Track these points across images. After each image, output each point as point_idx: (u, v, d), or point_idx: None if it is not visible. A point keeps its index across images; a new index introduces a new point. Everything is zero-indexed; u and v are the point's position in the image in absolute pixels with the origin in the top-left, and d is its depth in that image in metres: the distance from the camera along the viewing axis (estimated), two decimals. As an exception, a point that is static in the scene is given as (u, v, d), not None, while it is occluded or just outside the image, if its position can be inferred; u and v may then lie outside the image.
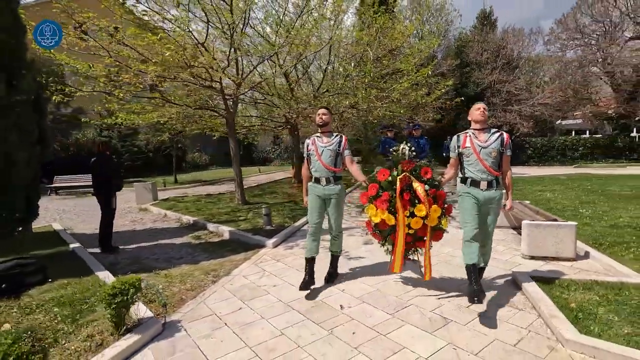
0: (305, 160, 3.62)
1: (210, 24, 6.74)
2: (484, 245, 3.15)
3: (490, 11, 23.57)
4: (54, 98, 6.58)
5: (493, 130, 3.06)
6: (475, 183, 3.03)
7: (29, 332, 2.41)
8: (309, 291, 3.40)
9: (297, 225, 6.24)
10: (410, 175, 3.04)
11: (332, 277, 3.76)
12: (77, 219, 8.04)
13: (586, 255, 4.14)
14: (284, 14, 8.52)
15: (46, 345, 2.32)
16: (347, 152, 3.54)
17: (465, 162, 3.10)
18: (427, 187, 3.03)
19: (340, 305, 3.14)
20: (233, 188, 12.26)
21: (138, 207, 9.01)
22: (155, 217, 8.00)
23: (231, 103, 8.23)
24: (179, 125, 10.63)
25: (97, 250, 5.11)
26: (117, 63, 6.05)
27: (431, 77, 11.59)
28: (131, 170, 17.17)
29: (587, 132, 23.73)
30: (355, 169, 3.55)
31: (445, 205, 3.14)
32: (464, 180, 3.12)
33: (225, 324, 2.90)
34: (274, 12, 8.72)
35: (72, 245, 5.15)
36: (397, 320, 2.85)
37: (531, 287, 3.16)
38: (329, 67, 10.46)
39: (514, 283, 3.47)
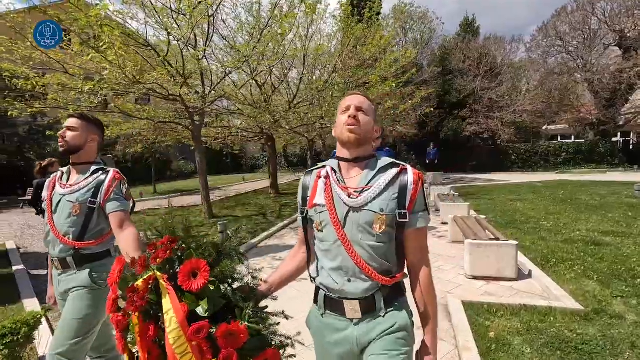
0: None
1: (172, 36, 6.69)
2: None
3: (473, 19, 23.87)
4: (10, 113, 6.49)
5: (383, 159, 1.26)
6: (333, 304, 1.26)
7: None
8: None
9: (253, 242, 6.13)
10: (161, 277, 1.04)
11: None
12: (40, 235, 7.88)
13: (529, 275, 4.09)
14: (256, 23, 8.52)
15: None
16: (112, 204, 1.79)
17: (317, 242, 1.30)
18: (201, 310, 1.00)
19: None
20: (213, 197, 12.16)
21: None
22: (119, 232, 7.85)
23: (197, 117, 8.15)
24: (150, 137, 10.59)
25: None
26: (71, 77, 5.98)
27: (406, 87, 11.62)
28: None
29: (572, 137, 23.96)
30: (126, 238, 1.71)
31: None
32: (315, 292, 1.35)
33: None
34: (245, 21, 8.73)
35: (15, 268, 5.01)
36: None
37: (457, 315, 3.09)
38: (305, 78, 10.45)
39: (446, 309, 3.40)
